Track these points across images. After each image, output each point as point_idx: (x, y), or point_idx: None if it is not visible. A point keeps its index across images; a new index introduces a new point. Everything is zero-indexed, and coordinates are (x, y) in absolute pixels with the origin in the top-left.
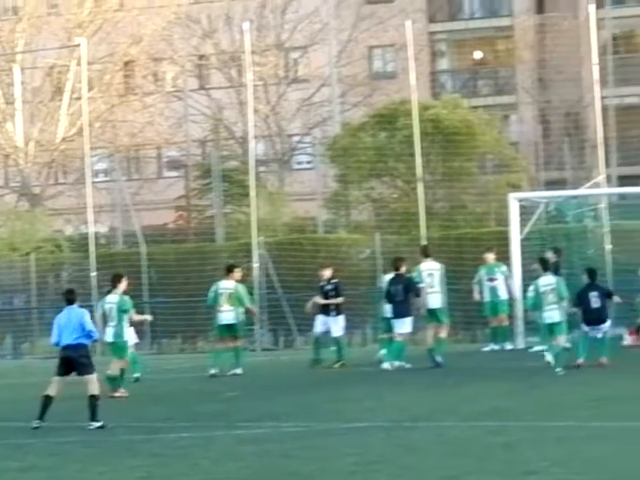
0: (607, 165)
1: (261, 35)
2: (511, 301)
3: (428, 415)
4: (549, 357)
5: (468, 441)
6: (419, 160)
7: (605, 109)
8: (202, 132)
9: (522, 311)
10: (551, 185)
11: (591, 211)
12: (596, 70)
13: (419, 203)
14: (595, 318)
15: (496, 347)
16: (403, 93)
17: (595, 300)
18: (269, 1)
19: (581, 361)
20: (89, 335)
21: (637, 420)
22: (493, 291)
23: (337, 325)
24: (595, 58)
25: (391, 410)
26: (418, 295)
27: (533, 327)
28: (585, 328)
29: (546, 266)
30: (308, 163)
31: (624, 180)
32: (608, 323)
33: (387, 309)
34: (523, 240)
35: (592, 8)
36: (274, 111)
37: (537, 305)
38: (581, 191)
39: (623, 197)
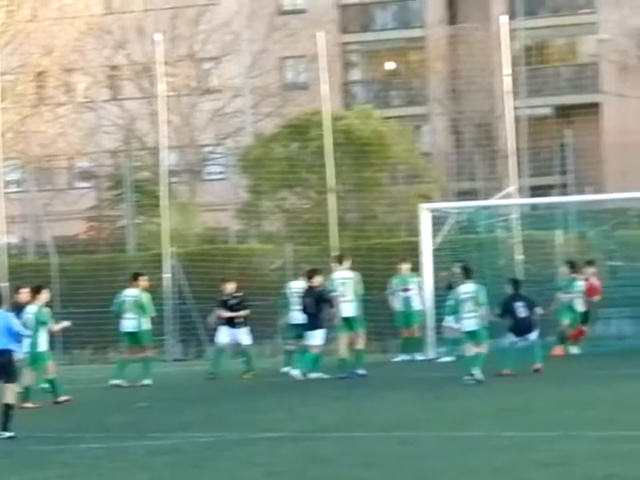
0: (519, 175)
1: (174, 46)
2: (422, 312)
3: (338, 425)
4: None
5: (378, 452)
6: (330, 170)
7: (516, 120)
8: (114, 142)
9: (433, 321)
10: (463, 195)
11: (502, 222)
12: (508, 81)
13: (330, 214)
14: (521, 328)
15: (407, 357)
16: (315, 104)
17: (521, 310)
18: (182, 12)
19: (507, 371)
20: (17, 337)
21: (545, 430)
22: (407, 301)
23: (244, 335)
24: (506, 69)
25: (301, 420)
26: (332, 306)
27: (442, 337)
28: (512, 338)
29: (468, 274)
30: (220, 173)
31: (535, 190)
32: (535, 332)
33: (294, 316)
34: (434, 250)
35: (504, 19)
36: (186, 121)
37: (456, 312)
38: (493, 202)
39: (534, 207)
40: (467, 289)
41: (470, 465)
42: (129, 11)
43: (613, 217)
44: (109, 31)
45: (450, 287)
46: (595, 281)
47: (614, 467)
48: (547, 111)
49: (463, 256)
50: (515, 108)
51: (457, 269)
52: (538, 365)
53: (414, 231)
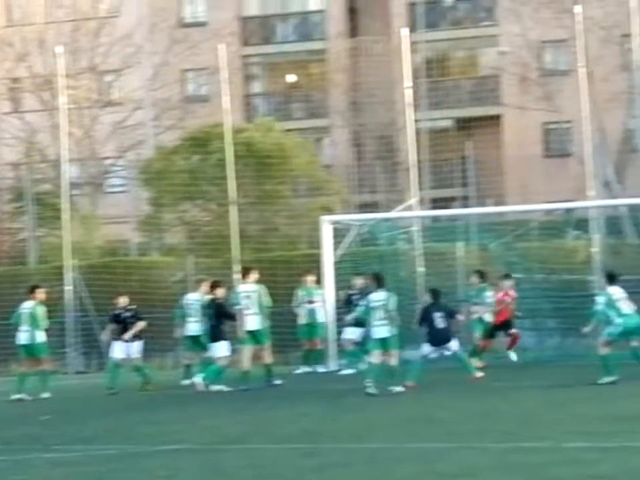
0: (420, 187)
1: (75, 59)
2: (325, 324)
3: (240, 437)
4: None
5: (279, 464)
6: (232, 183)
7: (417, 132)
8: (15, 155)
9: (334, 333)
10: (364, 207)
11: (404, 234)
12: (409, 93)
13: (231, 226)
14: (440, 338)
15: (308, 369)
16: (216, 116)
17: (439, 320)
18: (83, 24)
19: (409, 383)
20: None
21: (448, 441)
22: (311, 313)
23: (134, 349)
24: (407, 81)
25: (202, 432)
26: (232, 319)
27: (343, 350)
28: (428, 349)
29: (380, 282)
30: (121, 186)
31: (436, 202)
32: (454, 342)
33: (191, 328)
34: (335, 263)
35: (405, 31)
36: (87, 134)
37: (367, 320)
38: (394, 214)
39: (435, 219)
40: (378, 297)
41: (372, 476)
42: (29, 23)
43: (514, 229)
44: (10, 43)
45: (349, 301)
46: (513, 293)
47: (518, 479)
48: (448, 123)
49: (365, 268)
50: (416, 120)
51: (358, 281)
52: (475, 375)
53: (315, 244)
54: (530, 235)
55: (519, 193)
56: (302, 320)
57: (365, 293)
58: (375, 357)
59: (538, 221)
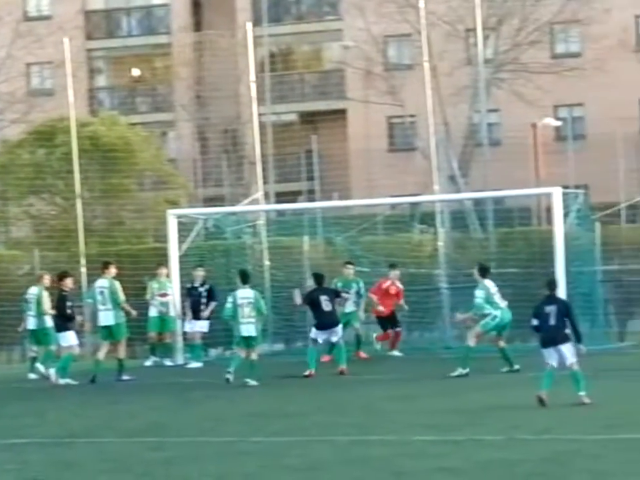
0: (265, 181)
1: None
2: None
3: (88, 431)
4: (229, 375)
5: (127, 457)
6: (77, 177)
7: (262, 126)
8: None
9: (181, 327)
10: (210, 201)
11: (250, 227)
12: (253, 87)
13: (77, 220)
14: (327, 321)
15: (157, 360)
16: (61, 110)
17: (325, 303)
18: None
19: (311, 371)
20: None
21: (295, 435)
22: (164, 306)
23: None
24: (252, 75)
25: (50, 426)
26: (69, 317)
27: (189, 344)
28: (315, 333)
29: (245, 279)
30: None
31: (281, 196)
32: (340, 327)
33: (32, 322)
34: (181, 256)
35: (249, 25)
36: None
37: (233, 316)
38: (239, 208)
39: (281, 213)
40: (244, 294)
41: (219, 470)
42: None
43: (360, 223)
44: None
45: (189, 294)
46: (399, 285)
47: (363, 472)
48: (293, 117)
49: (211, 262)
50: (261, 114)
51: (199, 273)
52: (342, 367)
53: (162, 237)
54: (376, 228)
55: (365, 187)
56: (153, 312)
57: (206, 285)
58: (240, 352)
59: (383, 214)
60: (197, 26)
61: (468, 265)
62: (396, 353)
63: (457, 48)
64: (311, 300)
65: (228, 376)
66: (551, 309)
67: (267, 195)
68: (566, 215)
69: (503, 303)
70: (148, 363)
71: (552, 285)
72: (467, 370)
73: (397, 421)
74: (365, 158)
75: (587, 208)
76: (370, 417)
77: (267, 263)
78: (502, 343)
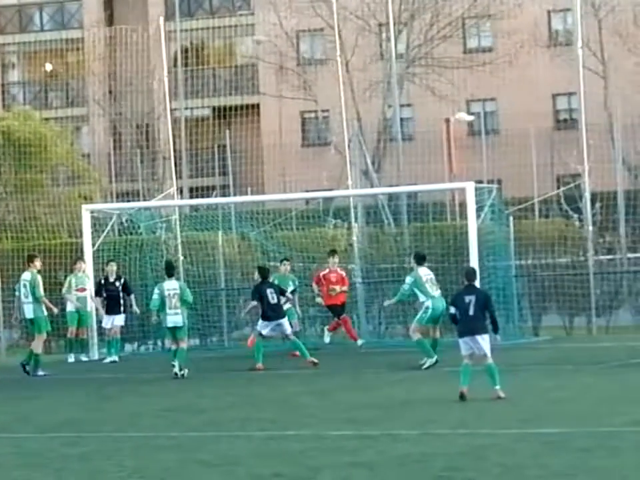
0: (179, 176)
1: None
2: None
3: (4, 426)
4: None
5: (44, 453)
6: None
7: (175, 121)
8: None
9: (96, 321)
10: (124, 196)
11: (164, 222)
12: (166, 82)
13: None
14: (273, 313)
15: (76, 355)
16: None
17: (271, 296)
18: None
19: (259, 365)
20: None
21: (211, 430)
22: (82, 301)
23: None
24: (165, 70)
25: None
26: None
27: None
28: (261, 325)
29: (170, 271)
30: None
31: (195, 191)
32: (285, 320)
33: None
34: (95, 251)
35: (161, 20)
36: None
37: (161, 307)
38: (153, 203)
39: (195, 208)
40: (170, 285)
41: (136, 464)
42: None
43: (274, 218)
44: None
45: (100, 287)
46: (341, 272)
47: (280, 466)
48: (206, 112)
49: (125, 257)
50: (174, 109)
51: (112, 267)
52: (310, 360)
53: (76, 232)
54: (290, 223)
55: (278, 182)
56: (71, 307)
57: (121, 280)
58: (170, 343)
59: (297, 209)
60: (110, 21)
61: (382, 260)
62: (360, 342)
63: (369, 43)
64: (259, 293)
65: (175, 370)
66: (470, 299)
67: (180, 190)
68: (479, 209)
69: (436, 292)
70: (70, 359)
71: (470, 275)
72: (435, 357)
73: (312, 415)
74: (279, 153)
75: (501, 203)
76: (285, 411)
77: (181, 257)
78: (437, 334)
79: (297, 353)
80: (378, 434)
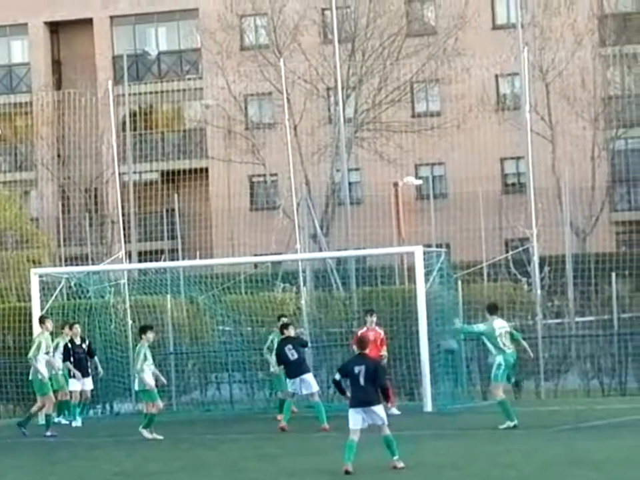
0: (127, 240)
1: None
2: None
3: None
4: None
5: None
6: None
7: (124, 185)
8: None
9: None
10: (73, 260)
11: (113, 286)
12: (115, 146)
13: None
14: (295, 370)
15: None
16: None
17: (290, 354)
18: None
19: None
20: None
21: None
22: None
23: None
24: (113, 134)
25: None
26: None
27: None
28: (289, 383)
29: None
30: None
31: (144, 255)
32: (310, 375)
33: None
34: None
35: (110, 84)
36: None
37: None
38: (102, 267)
39: (143, 272)
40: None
41: None
42: None
43: (222, 282)
44: None
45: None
46: (379, 330)
47: None
48: (154, 176)
49: (74, 320)
50: (122, 173)
51: (67, 330)
52: (325, 425)
53: (25, 296)
54: (238, 287)
55: (227, 246)
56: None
57: (86, 342)
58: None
59: (246, 273)
60: (58, 84)
61: (331, 324)
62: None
63: (318, 107)
64: (278, 357)
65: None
66: (359, 369)
67: (129, 254)
68: (428, 273)
69: (509, 348)
70: (64, 421)
71: (362, 343)
72: (515, 421)
73: None
74: (227, 217)
75: (449, 267)
76: (233, 476)
77: (129, 322)
78: (501, 394)
79: (280, 416)
80: None
